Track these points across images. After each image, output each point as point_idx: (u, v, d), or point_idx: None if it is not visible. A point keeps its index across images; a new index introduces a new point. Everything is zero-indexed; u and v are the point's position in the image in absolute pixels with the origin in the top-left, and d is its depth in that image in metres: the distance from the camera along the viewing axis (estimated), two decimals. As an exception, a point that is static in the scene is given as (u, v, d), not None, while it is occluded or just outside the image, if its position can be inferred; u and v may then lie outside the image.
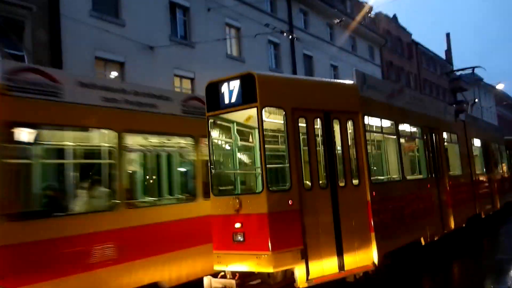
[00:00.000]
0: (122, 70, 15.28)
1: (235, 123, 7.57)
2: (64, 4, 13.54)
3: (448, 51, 51.43)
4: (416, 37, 43.85)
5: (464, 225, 11.22)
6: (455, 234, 10.92)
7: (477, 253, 10.60)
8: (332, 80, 8.22)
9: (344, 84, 7.63)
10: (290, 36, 20.63)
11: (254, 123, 7.52)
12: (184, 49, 17.90)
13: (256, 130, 7.60)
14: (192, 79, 18.11)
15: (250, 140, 8.06)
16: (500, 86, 46.82)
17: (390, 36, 38.64)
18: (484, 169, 14.45)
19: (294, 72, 24.71)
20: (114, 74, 15.18)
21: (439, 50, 52.42)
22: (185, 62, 17.68)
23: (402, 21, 42.61)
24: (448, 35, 52.26)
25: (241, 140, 7.71)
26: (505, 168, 17.87)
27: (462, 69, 19.20)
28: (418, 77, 42.65)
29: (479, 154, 14.33)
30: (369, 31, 34.45)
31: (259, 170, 6.93)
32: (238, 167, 7.72)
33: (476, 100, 30.26)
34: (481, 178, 13.73)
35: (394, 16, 41.14)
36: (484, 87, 55.17)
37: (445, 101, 32.77)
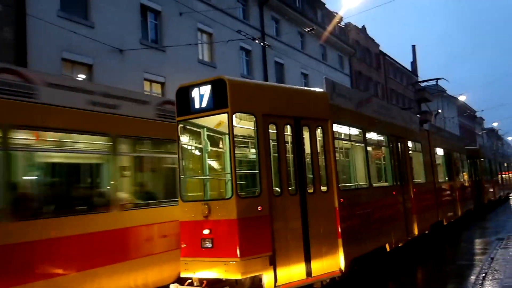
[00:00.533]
0: (90, 73, 14.92)
1: (205, 129, 7.52)
2: (30, 4, 13.13)
3: (414, 63, 53.03)
4: (384, 48, 45.07)
5: (427, 231, 11.54)
6: (419, 240, 11.22)
7: (440, 258, 10.90)
8: (303, 87, 8.28)
9: (315, 91, 7.73)
10: (262, 43, 20.77)
11: (225, 128, 7.50)
12: (155, 53, 17.68)
13: (227, 136, 7.63)
14: (162, 84, 17.88)
15: (221, 145, 8.03)
16: (462, 98, 48.78)
17: (359, 46, 39.53)
18: (447, 178, 14.94)
19: (266, 79, 24.88)
20: (81, 76, 14.80)
21: (406, 61, 53.99)
22: (156, 66, 17.47)
23: (370, 32, 43.67)
24: (414, 47, 53.91)
25: (211, 145, 7.67)
26: (466, 176, 18.55)
27: (427, 80, 19.93)
28: (385, 87, 43.77)
29: (442, 162, 14.82)
30: (339, 41, 35.15)
31: (229, 176, 6.91)
32: (207, 173, 7.65)
33: (440, 110, 31.36)
34: (443, 186, 14.18)
35: (363, 27, 42.11)
36: (447, 98, 57.21)
37: (410, 111, 33.75)
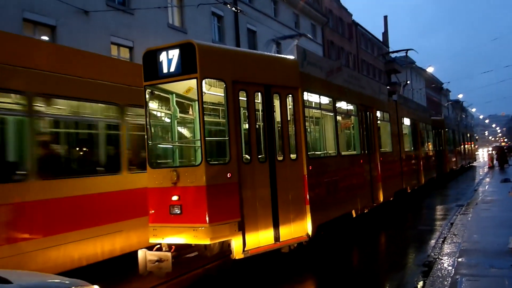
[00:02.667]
0: (53, 35, 14.23)
1: (174, 95, 7.36)
2: (-13, -41, 12.25)
3: (385, 34, 53.34)
4: (356, 18, 45.00)
5: (392, 198, 11.93)
6: (384, 206, 11.62)
7: (402, 224, 11.34)
8: (274, 54, 8.17)
9: (285, 59, 7.65)
10: (234, 9, 20.32)
11: (194, 95, 7.37)
12: (123, 16, 16.94)
13: (196, 103, 7.51)
14: (131, 48, 17.25)
15: (190, 112, 7.90)
16: (430, 69, 49.62)
17: (332, 15, 39.30)
18: (412, 147, 15.38)
19: (238, 46, 24.42)
20: (44, 38, 14.10)
21: (377, 32, 54.16)
22: (123, 30, 16.79)
23: (343, 1, 43.40)
24: (385, 17, 54.09)
25: (180, 112, 7.53)
26: (430, 146, 19.16)
27: (397, 51, 20.05)
28: (357, 58, 44.00)
29: (408, 132, 15.20)
30: (312, 9, 34.72)
31: (198, 143, 6.85)
32: (176, 140, 7.55)
33: (408, 81, 31.90)
34: (408, 155, 14.61)
35: (337, -4, 41.77)
36: (416, 69, 58.18)
37: (380, 82, 34.14)
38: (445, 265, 6.34)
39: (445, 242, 7.83)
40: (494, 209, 11.22)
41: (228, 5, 18.28)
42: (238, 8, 20.46)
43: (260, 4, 27.75)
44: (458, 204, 13.49)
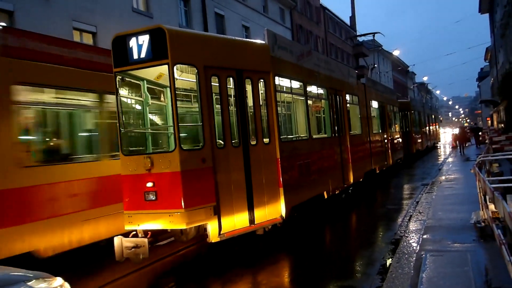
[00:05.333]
0: (12, 20, 13.69)
1: (145, 81, 7.31)
2: None
3: (353, 17, 53.81)
4: (323, 1, 45.21)
5: (361, 179, 12.32)
6: (354, 186, 12.01)
7: (371, 203, 11.79)
8: (244, 39, 8.21)
9: (256, 43, 7.72)
10: None
11: (165, 81, 7.39)
12: (85, 0, 16.43)
13: (168, 89, 7.51)
14: (94, 33, 16.83)
15: (162, 99, 7.88)
16: (396, 52, 50.74)
17: (299, -1, 39.38)
18: (380, 129, 15.83)
19: (206, 31, 24.22)
20: (1, 24, 13.56)
21: (345, 16, 54.73)
22: (86, 15, 16.33)
23: (311, -16, 43.39)
24: (352, 1, 54.45)
25: (152, 98, 7.51)
26: (397, 128, 19.77)
27: (364, 35, 20.43)
28: (325, 42, 44.38)
29: (376, 115, 15.63)
30: (280, -8, 34.76)
31: (171, 129, 6.86)
32: (148, 126, 7.54)
33: (375, 65, 32.58)
34: (377, 137, 15.05)
35: (304, -21, 41.78)
36: (383, 53, 59.25)
37: (348, 66, 34.65)
38: (411, 242, 6.58)
39: (411, 220, 8.15)
40: (457, 187, 11.69)
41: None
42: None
43: (227, -13, 27.61)
44: (424, 183, 14.04)
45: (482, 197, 6.91)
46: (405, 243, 6.55)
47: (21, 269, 3.88)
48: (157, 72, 7.13)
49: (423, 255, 5.75)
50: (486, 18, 37.27)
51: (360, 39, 38.96)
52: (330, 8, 46.49)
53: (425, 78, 77.18)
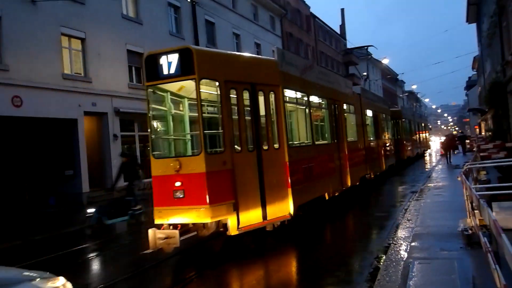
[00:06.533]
0: (-1, 26, 14.48)
1: (169, 93, 8.53)
2: None
3: (343, 26, 55.89)
4: (314, 10, 46.97)
5: (358, 183, 13.66)
6: (351, 190, 13.24)
7: (365, 207, 12.90)
8: (258, 56, 9.52)
9: (268, 60, 9.02)
10: (191, 0, 20.88)
11: (184, 92, 8.66)
12: (73, 6, 17.23)
13: (186, 99, 8.77)
14: (83, 40, 17.69)
15: (181, 108, 9.09)
16: (385, 61, 52.69)
17: (290, 7, 40.95)
18: (374, 136, 17.29)
19: (196, 38, 24.89)
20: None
21: (335, 25, 56.62)
22: (74, 20, 17.17)
23: (301, -7, 45.12)
24: (342, 10, 56.62)
25: (175, 108, 8.72)
26: (390, 135, 21.28)
27: (358, 48, 21.94)
28: (315, 50, 46.05)
29: (370, 123, 17.07)
30: (270, 1, 36.02)
31: (191, 136, 8.02)
32: (172, 133, 8.71)
33: (365, 73, 34.26)
34: (371, 144, 16.47)
35: (294, -12, 43.43)
36: (372, 61, 61.36)
37: (338, 74, 36.22)
38: (399, 249, 6.79)
39: (400, 227, 8.46)
40: (445, 194, 12.25)
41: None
42: (194, -1, 21.21)
43: (218, -5, 28.39)
44: (413, 190, 14.64)
45: (469, 204, 7.14)
46: (393, 251, 6.74)
47: (25, 269, 4.18)
48: (178, 85, 8.35)
49: (411, 263, 5.90)
50: (474, 28, 39.30)
51: (350, 47, 40.67)
52: (320, 16, 48.29)
53: (414, 87, 79.73)
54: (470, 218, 7.16)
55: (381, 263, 6.28)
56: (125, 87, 19.98)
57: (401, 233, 7.97)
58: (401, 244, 7.14)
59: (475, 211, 6.43)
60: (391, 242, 7.48)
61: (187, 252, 8.20)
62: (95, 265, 8.50)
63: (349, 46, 51.96)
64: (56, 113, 16.41)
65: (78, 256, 8.97)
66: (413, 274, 5.44)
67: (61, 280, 3.85)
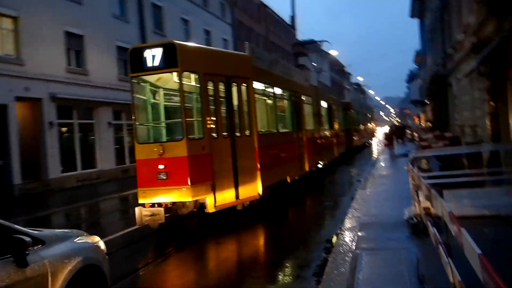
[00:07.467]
0: None
1: (148, 83, 9.51)
2: None
3: (293, 16, 57.74)
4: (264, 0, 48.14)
5: (314, 168, 15.27)
6: (309, 174, 14.78)
7: (319, 190, 14.39)
8: (232, 51, 10.70)
9: (240, 54, 10.24)
10: None
11: (162, 83, 9.70)
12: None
13: (161, 90, 9.82)
14: (15, 18, 17.16)
15: (157, 98, 10.08)
16: (334, 53, 55.24)
17: (240, -5, 41.72)
18: (328, 126, 19.04)
19: (142, 21, 25.17)
20: None
21: (285, 15, 58.32)
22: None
23: (252, -19, 46.10)
24: (293, 1, 58.48)
25: (154, 99, 9.71)
26: (341, 125, 23.23)
27: (312, 42, 23.59)
28: (266, 39, 47.45)
29: (325, 114, 18.78)
30: (220, -13, 36.32)
31: (169, 122, 9.07)
32: (152, 120, 9.69)
33: (314, 64, 36.20)
34: (326, 133, 18.21)
35: (245, -25, 44.34)
36: (321, 53, 63.82)
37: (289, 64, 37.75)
38: (347, 240, 6.90)
39: (347, 217, 8.65)
40: (389, 183, 12.89)
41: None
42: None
43: (167, -21, 28.20)
44: (359, 179, 15.26)
45: (415, 192, 7.28)
46: (340, 241, 6.86)
47: (64, 230, 4.72)
48: (157, 76, 9.37)
49: (359, 253, 6.01)
50: (417, 23, 42.36)
51: (300, 38, 42.42)
52: (271, 7, 49.60)
53: (360, 79, 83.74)
54: (416, 206, 7.37)
55: (329, 255, 6.33)
56: (63, 71, 19.36)
57: (348, 222, 8.19)
58: (349, 234, 7.29)
59: (423, 200, 6.42)
60: (338, 232, 7.66)
61: (166, 229, 9.23)
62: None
63: (300, 37, 54.01)
64: (-19, 98, 15.55)
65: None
66: (362, 266, 5.56)
67: (97, 238, 4.68)
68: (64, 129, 19.86)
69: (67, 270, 3.65)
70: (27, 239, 3.20)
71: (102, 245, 4.58)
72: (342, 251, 6.32)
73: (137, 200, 8.77)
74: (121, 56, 23.12)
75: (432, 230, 4.68)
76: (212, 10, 35.51)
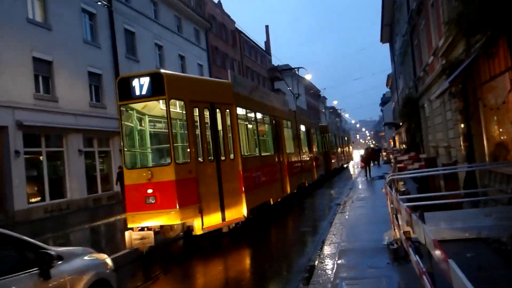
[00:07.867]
0: None
1: (135, 111, 9.97)
2: None
3: (267, 42, 59.28)
4: (239, 25, 49.56)
5: (295, 191, 15.83)
6: (290, 196, 15.26)
7: (300, 213, 14.70)
8: (215, 79, 11.28)
9: (223, 82, 10.83)
10: (106, 6, 20.43)
11: (147, 110, 10.18)
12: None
13: (146, 117, 10.29)
14: None
15: (143, 124, 10.53)
16: (308, 77, 56.78)
17: (215, 21, 42.78)
18: (307, 149, 19.75)
19: (114, 46, 25.09)
20: None
21: (260, 40, 59.94)
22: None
23: (226, 8, 47.60)
24: (267, 27, 60.13)
25: (140, 125, 10.16)
26: (319, 148, 24.01)
27: (290, 69, 24.59)
28: (241, 64, 48.53)
29: (304, 137, 19.51)
30: (194, 13, 37.29)
31: (165, 150, 9.51)
32: (139, 147, 10.12)
33: (290, 88, 37.33)
34: (305, 156, 18.89)
35: (219, 2, 45.66)
36: (296, 77, 65.40)
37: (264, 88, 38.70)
38: (326, 269, 6.73)
39: (325, 243, 8.54)
40: (367, 206, 13.02)
41: (99, 3, 18.24)
42: (109, 5, 20.28)
43: (138, 4, 28.35)
44: (337, 202, 15.30)
45: (394, 216, 7.19)
46: (319, 271, 6.68)
47: (77, 247, 5.12)
48: (143, 104, 9.85)
49: (338, 284, 5.89)
50: (388, 47, 44.22)
51: (275, 63, 43.64)
52: (246, 32, 50.93)
53: (335, 102, 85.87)
54: (395, 230, 7.26)
55: (308, 286, 6.19)
56: (31, 98, 18.97)
57: (327, 249, 8.04)
58: (328, 262, 7.13)
59: (402, 225, 6.30)
60: (317, 260, 7.49)
61: (153, 253, 9.54)
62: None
63: (274, 62, 55.33)
64: None
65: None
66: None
67: (105, 255, 5.12)
68: (31, 157, 19.21)
69: (83, 283, 4.06)
70: (53, 252, 3.60)
71: (109, 262, 4.99)
72: (321, 281, 6.16)
73: (109, 231, 8.94)
74: (92, 82, 23.16)
75: (415, 258, 4.51)
76: (186, 35, 36.01)
